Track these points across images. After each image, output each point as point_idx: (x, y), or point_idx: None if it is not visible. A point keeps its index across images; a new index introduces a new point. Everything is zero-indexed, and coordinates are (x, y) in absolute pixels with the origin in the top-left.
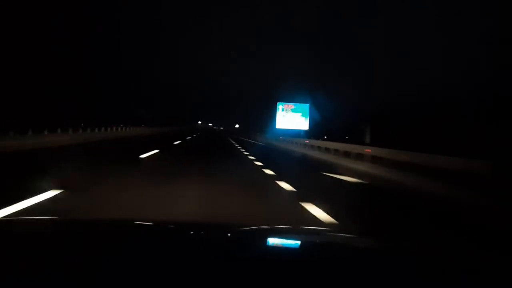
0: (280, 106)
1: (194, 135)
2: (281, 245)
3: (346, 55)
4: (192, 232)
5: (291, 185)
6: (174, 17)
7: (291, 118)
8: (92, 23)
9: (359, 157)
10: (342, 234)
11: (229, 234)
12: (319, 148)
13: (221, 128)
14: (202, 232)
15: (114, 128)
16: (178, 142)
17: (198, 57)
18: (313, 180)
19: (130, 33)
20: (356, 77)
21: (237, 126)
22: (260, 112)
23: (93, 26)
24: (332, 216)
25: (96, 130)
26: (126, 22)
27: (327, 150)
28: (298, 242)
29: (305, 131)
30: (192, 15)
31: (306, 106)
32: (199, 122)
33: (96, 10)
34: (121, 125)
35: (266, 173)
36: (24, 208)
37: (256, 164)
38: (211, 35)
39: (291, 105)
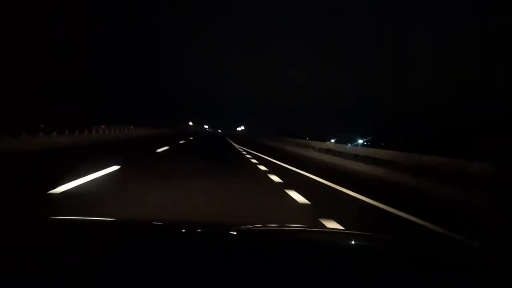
0: None
1: (181, 142)
2: (282, 245)
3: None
4: (192, 232)
5: None
6: (174, 17)
7: None
8: (92, 23)
9: None
10: (344, 233)
11: (229, 234)
12: None
13: (219, 131)
14: (202, 232)
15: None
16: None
17: (197, 57)
18: None
19: (128, 33)
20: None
21: (240, 128)
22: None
23: (93, 26)
24: None
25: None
26: (125, 22)
27: None
28: (299, 242)
29: None
30: (192, 15)
31: None
32: (190, 123)
33: (96, 10)
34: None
35: None
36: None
37: None
38: (211, 35)
39: None
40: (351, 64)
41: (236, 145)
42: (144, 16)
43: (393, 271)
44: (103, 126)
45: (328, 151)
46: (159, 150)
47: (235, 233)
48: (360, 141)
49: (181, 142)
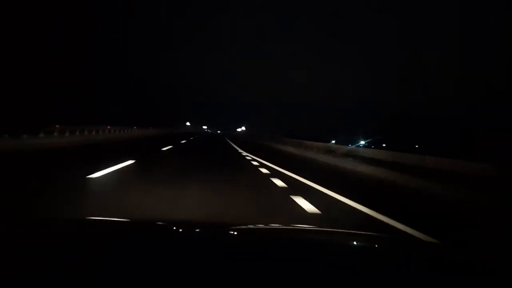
0: None
1: (165, 149)
2: (282, 245)
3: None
4: (192, 232)
5: None
6: (174, 18)
7: None
8: (92, 23)
9: None
10: (344, 233)
11: (229, 234)
12: None
13: (218, 131)
14: (202, 232)
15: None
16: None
17: (197, 57)
18: None
19: (128, 33)
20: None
21: (240, 129)
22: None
23: (93, 26)
24: None
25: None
26: (125, 22)
27: None
28: (299, 242)
29: None
30: (192, 15)
31: None
32: (187, 124)
33: (96, 10)
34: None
35: None
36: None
37: None
38: (211, 35)
39: None
40: (351, 64)
41: (241, 151)
42: (144, 16)
43: (393, 271)
44: (57, 126)
45: (331, 152)
46: (99, 174)
47: (235, 233)
48: (362, 142)
49: (164, 149)
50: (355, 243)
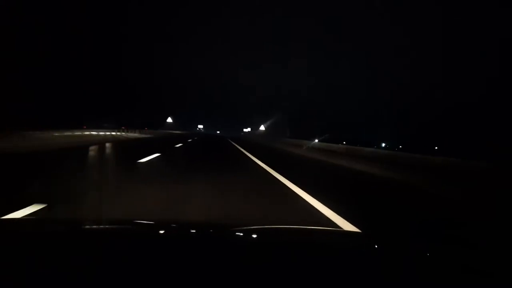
0: None
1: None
2: (282, 245)
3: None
4: (192, 232)
5: None
6: (174, 17)
7: None
8: (92, 23)
9: None
10: (344, 233)
11: (229, 234)
12: None
13: (218, 132)
14: (202, 232)
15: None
16: None
17: (197, 57)
18: None
19: (128, 33)
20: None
21: (247, 130)
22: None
23: (93, 26)
24: None
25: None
26: (124, 22)
27: None
28: (300, 242)
29: None
30: (192, 15)
31: None
32: (169, 120)
33: (96, 10)
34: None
35: None
36: None
37: None
38: (211, 35)
39: None
40: (351, 64)
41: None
42: (142, 17)
43: (393, 271)
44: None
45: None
46: None
47: (235, 233)
48: (383, 144)
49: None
50: (355, 243)
